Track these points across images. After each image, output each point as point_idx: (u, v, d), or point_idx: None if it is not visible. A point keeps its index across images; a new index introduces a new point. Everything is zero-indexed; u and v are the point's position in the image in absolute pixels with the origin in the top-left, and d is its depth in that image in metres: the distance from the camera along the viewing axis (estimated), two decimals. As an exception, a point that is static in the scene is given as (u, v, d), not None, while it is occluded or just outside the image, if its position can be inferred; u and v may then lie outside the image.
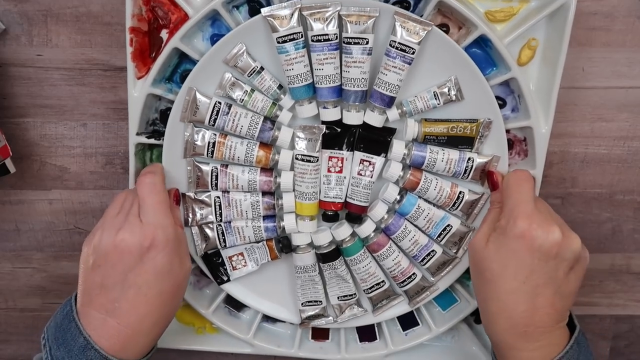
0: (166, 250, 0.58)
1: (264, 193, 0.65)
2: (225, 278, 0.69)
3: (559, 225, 0.58)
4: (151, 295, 0.58)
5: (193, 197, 0.66)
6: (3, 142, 0.66)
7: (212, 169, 0.64)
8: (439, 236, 0.66)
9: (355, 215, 0.66)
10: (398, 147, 0.63)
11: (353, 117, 0.62)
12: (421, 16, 0.60)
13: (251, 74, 0.62)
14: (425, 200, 0.65)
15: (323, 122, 0.63)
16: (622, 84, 0.68)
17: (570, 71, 0.67)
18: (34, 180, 0.71)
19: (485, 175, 0.65)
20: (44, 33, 0.66)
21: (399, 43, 0.59)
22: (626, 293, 0.60)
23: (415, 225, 0.66)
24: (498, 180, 0.64)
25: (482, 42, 0.63)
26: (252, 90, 0.62)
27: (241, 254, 0.68)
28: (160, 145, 0.65)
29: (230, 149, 0.63)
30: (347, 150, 0.64)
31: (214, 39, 0.63)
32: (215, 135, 0.63)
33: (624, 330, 0.65)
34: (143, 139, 0.65)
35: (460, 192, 0.64)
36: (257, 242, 0.67)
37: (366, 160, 0.64)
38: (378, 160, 0.64)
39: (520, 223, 0.57)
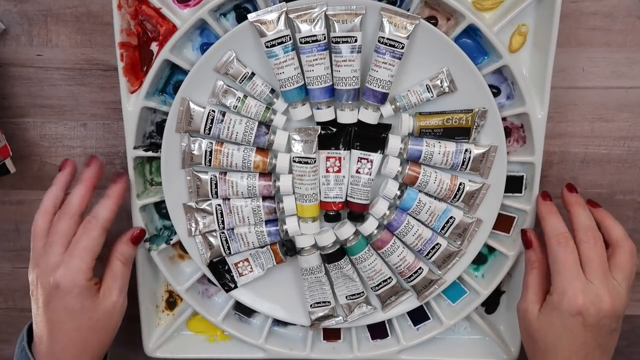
0: (73, 293, 0.60)
1: (265, 198, 0.65)
2: (232, 285, 0.69)
3: (609, 289, 0.59)
4: (67, 329, 0.61)
5: (194, 206, 0.66)
6: (3, 142, 0.67)
7: (211, 177, 0.64)
8: (442, 229, 0.66)
9: (357, 213, 0.66)
10: (394, 143, 0.63)
11: (347, 116, 0.62)
12: (408, 10, 0.60)
13: (243, 80, 0.62)
14: (426, 193, 0.65)
15: (318, 123, 0.63)
16: (622, 84, 0.67)
17: (570, 71, 0.67)
18: (34, 180, 0.71)
19: (520, 234, 0.66)
20: (44, 33, 0.66)
21: (387, 39, 0.59)
22: (626, 293, 0.61)
23: (418, 220, 0.66)
24: (531, 239, 0.64)
25: (472, 32, 0.63)
26: (245, 96, 0.62)
27: (246, 259, 0.68)
28: (159, 158, 0.65)
29: (227, 157, 0.63)
30: (344, 150, 0.64)
31: (204, 47, 0.63)
32: (212, 143, 0.63)
33: (624, 330, 0.64)
34: (141, 152, 0.65)
35: (460, 184, 0.64)
36: (261, 247, 0.67)
37: (364, 158, 0.64)
38: (375, 157, 0.64)
39: (574, 303, 0.59)
